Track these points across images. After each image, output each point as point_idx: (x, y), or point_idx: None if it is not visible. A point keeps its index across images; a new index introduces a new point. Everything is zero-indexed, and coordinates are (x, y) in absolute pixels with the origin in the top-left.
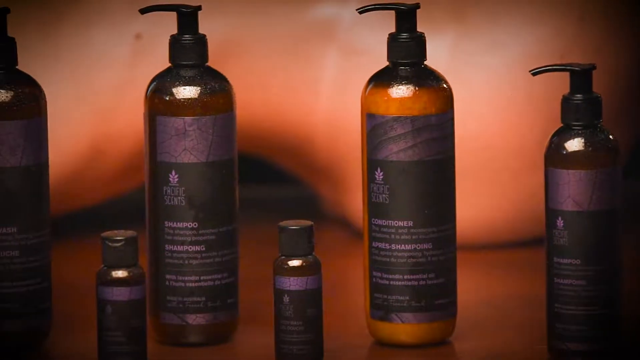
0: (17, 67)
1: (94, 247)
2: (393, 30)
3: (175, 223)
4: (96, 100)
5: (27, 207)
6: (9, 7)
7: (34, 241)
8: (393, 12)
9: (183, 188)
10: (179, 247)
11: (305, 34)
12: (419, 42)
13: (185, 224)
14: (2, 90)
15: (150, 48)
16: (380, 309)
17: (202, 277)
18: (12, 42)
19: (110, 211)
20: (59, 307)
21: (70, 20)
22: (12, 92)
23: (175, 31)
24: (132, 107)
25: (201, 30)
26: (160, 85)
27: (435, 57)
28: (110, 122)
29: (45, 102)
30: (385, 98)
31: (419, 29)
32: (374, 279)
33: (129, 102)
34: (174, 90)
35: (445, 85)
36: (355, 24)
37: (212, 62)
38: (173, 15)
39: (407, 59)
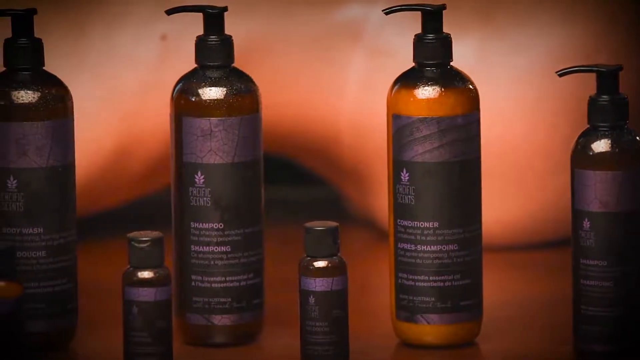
0: (43, 68)
1: (120, 247)
2: (419, 31)
3: (201, 224)
4: (122, 102)
5: (53, 207)
6: (37, 8)
7: (60, 241)
8: (419, 13)
9: (209, 189)
10: (204, 247)
11: (332, 35)
12: (445, 43)
13: (211, 225)
14: (28, 91)
15: (175, 49)
16: (406, 310)
17: (227, 278)
18: (39, 43)
19: (136, 212)
20: (85, 308)
21: (96, 21)
22: (39, 93)
23: (201, 32)
24: (158, 108)
25: (227, 32)
26: (186, 86)
27: (462, 59)
28: (136, 123)
29: (72, 102)
30: (411, 99)
31: (446, 30)
32: (399, 280)
33: (154, 103)
34: (200, 91)
35: (471, 86)
36: (381, 25)
37: (238, 63)
38: (199, 15)
39: (433, 60)
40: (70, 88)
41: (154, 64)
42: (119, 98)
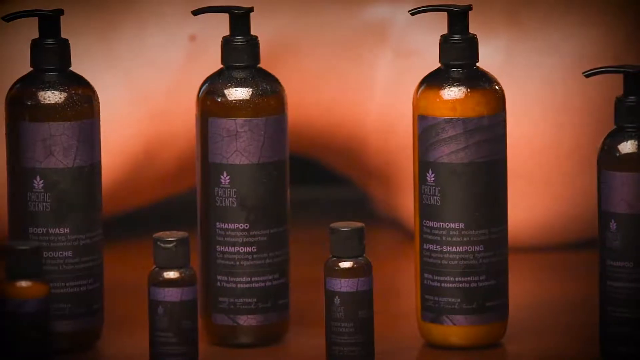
0: (70, 68)
1: (146, 248)
2: (446, 31)
3: (226, 224)
4: (149, 103)
5: (79, 208)
6: (65, 9)
7: (87, 242)
8: (445, 13)
9: (234, 189)
10: (230, 248)
11: (358, 36)
12: (471, 44)
13: (236, 225)
14: (55, 92)
15: (203, 50)
16: (432, 311)
17: (253, 278)
18: (65, 44)
19: (162, 212)
20: (111, 308)
21: (124, 22)
22: (66, 94)
23: (228, 33)
24: (185, 109)
25: (254, 32)
26: (212, 87)
27: (489, 60)
28: (163, 124)
29: (98, 103)
30: (437, 100)
31: (473, 31)
32: (425, 281)
33: (182, 104)
34: (226, 91)
35: (497, 87)
36: (407, 25)
37: (264, 64)
38: (227, 17)
39: (459, 60)
40: (97, 89)
41: (181, 65)
42: (147, 99)
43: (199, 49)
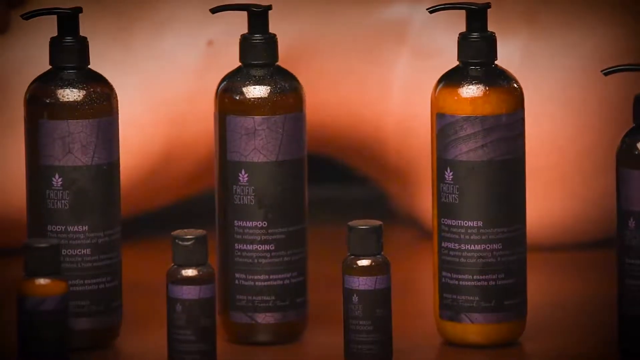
0: (89, 66)
1: (165, 246)
2: (464, 30)
3: (244, 222)
4: (167, 104)
5: (98, 205)
6: (84, 11)
7: (105, 239)
8: (463, 12)
9: (253, 187)
10: (248, 246)
11: (376, 35)
12: (490, 42)
13: (254, 223)
14: (74, 89)
15: (223, 53)
16: (450, 309)
17: (271, 276)
18: (84, 42)
19: (180, 211)
20: (129, 306)
21: (143, 24)
22: (84, 91)
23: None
24: (204, 110)
25: (272, 32)
26: (230, 85)
27: (507, 59)
28: (182, 125)
29: (117, 100)
30: (455, 98)
31: (491, 30)
32: (443, 279)
33: (201, 106)
34: (244, 89)
35: (515, 85)
36: (426, 24)
37: (283, 64)
38: (245, 21)
39: (477, 58)
40: (117, 90)
41: (201, 68)
42: (166, 100)
43: (218, 51)
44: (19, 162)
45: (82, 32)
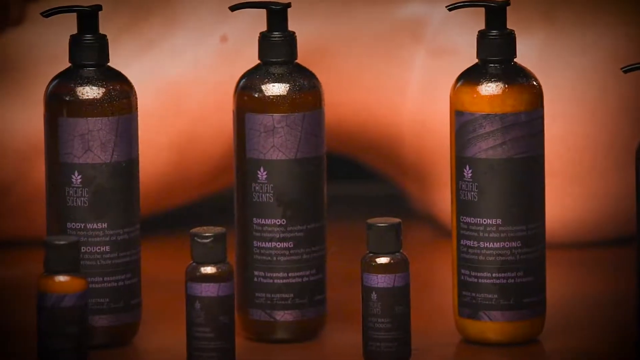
0: (108, 64)
1: (184, 243)
2: (482, 28)
3: (263, 220)
4: (186, 101)
5: (117, 203)
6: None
7: (125, 237)
8: (481, 11)
9: (271, 185)
10: (267, 243)
11: (394, 34)
12: (509, 40)
13: (273, 221)
14: (93, 87)
15: (239, 49)
16: (468, 307)
17: (290, 274)
18: (103, 39)
19: (199, 209)
20: (148, 303)
21: (158, 19)
22: (104, 89)
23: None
24: (222, 107)
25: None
26: (249, 82)
27: (525, 57)
28: (202, 123)
29: (136, 98)
30: (475, 95)
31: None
32: (462, 277)
33: (219, 103)
34: (263, 87)
35: (535, 83)
36: (443, 23)
37: (300, 63)
38: (262, 18)
39: (496, 56)
40: (136, 87)
41: (218, 63)
42: (183, 97)
43: (235, 48)
44: (39, 159)
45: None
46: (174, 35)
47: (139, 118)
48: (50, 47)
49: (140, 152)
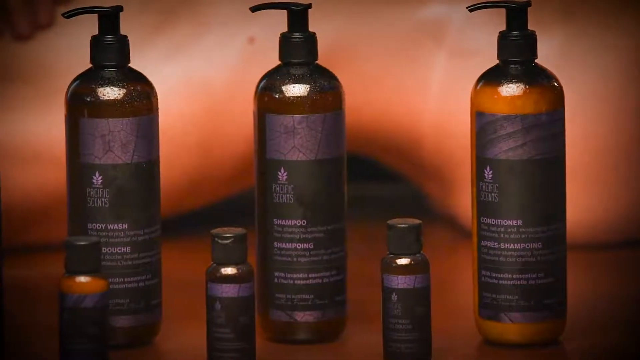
0: (129, 65)
1: (204, 244)
2: (503, 29)
3: (284, 220)
4: (212, 102)
5: (138, 203)
6: (124, 6)
7: (145, 237)
8: (502, 12)
9: (292, 186)
10: (287, 244)
11: (414, 35)
12: (530, 40)
13: (294, 222)
14: (114, 88)
15: (263, 51)
16: (489, 308)
17: (310, 275)
18: (124, 40)
19: (220, 209)
20: (169, 304)
21: (184, 21)
22: (125, 90)
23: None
24: (244, 109)
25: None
26: (270, 83)
27: (545, 57)
28: (223, 124)
29: (157, 99)
30: (495, 96)
31: (529, 29)
32: (482, 278)
33: (244, 104)
34: (284, 88)
35: (555, 84)
36: (464, 24)
37: (322, 63)
38: (285, 19)
39: (517, 57)
40: (157, 88)
41: (242, 65)
42: (206, 98)
43: (259, 49)
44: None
45: (123, 24)
46: (202, 37)
47: (163, 119)
48: (70, 46)
49: (162, 153)
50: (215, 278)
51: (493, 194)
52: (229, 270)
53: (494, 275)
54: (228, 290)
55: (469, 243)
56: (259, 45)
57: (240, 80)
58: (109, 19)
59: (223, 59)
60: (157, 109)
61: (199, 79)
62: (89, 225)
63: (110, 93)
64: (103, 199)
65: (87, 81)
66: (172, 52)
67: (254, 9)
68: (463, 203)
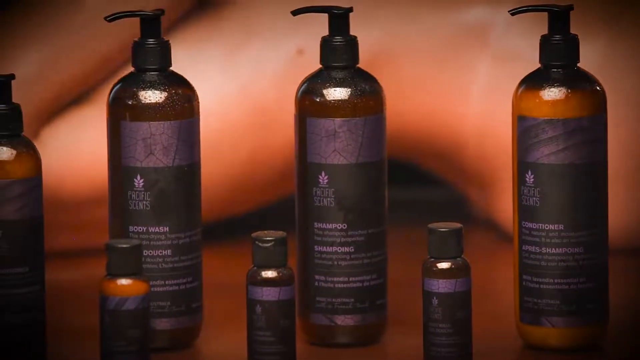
0: (171, 68)
1: (245, 248)
2: (545, 33)
3: (324, 224)
4: (254, 107)
5: (179, 206)
6: (167, 10)
7: (186, 240)
8: (544, 16)
9: (333, 189)
10: (328, 248)
11: (457, 39)
12: (572, 44)
13: (334, 225)
14: (156, 91)
15: (313, 60)
16: (530, 313)
17: (350, 278)
18: (166, 44)
19: (262, 213)
20: (209, 307)
21: (232, 28)
22: (166, 93)
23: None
24: (288, 116)
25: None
26: (311, 87)
27: (588, 61)
28: (267, 129)
29: (198, 102)
30: (537, 100)
31: (571, 32)
32: (524, 282)
33: (285, 112)
34: (325, 91)
35: (598, 88)
36: (506, 28)
37: (364, 69)
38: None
39: (559, 61)
40: (201, 93)
41: (289, 75)
42: (251, 103)
43: (310, 59)
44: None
45: (174, 35)
46: (246, 44)
47: (208, 125)
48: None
49: (208, 159)
50: (256, 281)
51: (534, 198)
52: (269, 274)
53: (535, 279)
54: (269, 294)
55: (510, 247)
56: (307, 54)
57: (286, 87)
58: (151, 23)
59: (269, 65)
60: (199, 112)
61: (245, 85)
62: (131, 228)
63: (152, 96)
64: (144, 202)
65: (128, 84)
66: (219, 59)
67: (295, 12)
68: (504, 207)
